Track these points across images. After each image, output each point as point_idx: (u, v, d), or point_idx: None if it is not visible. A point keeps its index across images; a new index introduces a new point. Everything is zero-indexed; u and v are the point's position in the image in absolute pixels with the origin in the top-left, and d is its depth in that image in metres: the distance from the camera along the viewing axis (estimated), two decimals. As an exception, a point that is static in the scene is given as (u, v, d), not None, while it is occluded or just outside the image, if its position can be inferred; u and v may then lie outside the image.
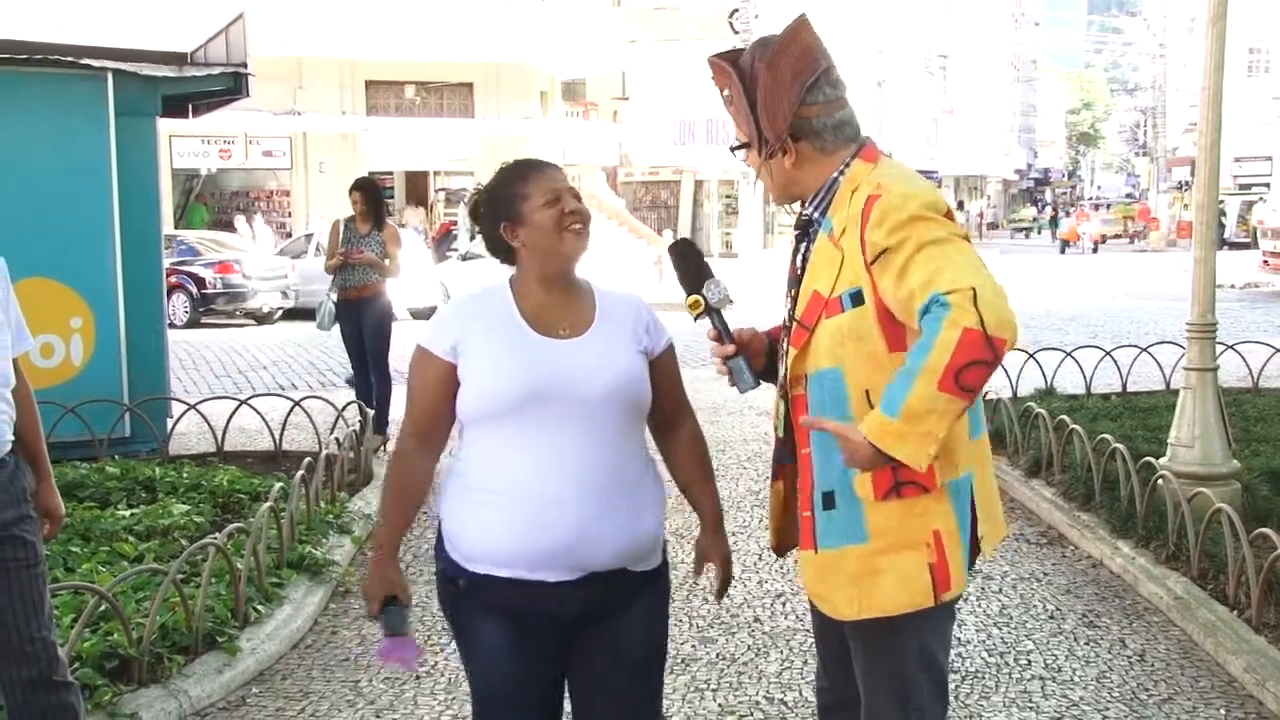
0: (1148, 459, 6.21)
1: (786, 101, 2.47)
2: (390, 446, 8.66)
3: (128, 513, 5.98)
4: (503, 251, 2.65)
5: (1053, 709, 4.26)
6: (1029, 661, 4.69)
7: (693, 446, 2.75)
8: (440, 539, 2.63)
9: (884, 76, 40.96)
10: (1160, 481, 5.92)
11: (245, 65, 8.27)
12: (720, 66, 2.56)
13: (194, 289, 19.47)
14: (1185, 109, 49.51)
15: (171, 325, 18.27)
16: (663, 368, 2.69)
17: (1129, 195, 62.72)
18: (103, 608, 4.25)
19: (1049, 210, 59.26)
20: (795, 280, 2.57)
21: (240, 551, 5.09)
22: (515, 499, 2.49)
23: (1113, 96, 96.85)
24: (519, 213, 2.58)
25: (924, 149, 50.75)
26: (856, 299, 2.39)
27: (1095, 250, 40.47)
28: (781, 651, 4.75)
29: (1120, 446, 6.35)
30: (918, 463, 2.23)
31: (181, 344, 15.73)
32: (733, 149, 2.61)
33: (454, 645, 4.79)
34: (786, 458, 2.62)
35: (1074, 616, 5.20)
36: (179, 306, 19.22)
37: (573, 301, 2.63)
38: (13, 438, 3.21)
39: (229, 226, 26.72)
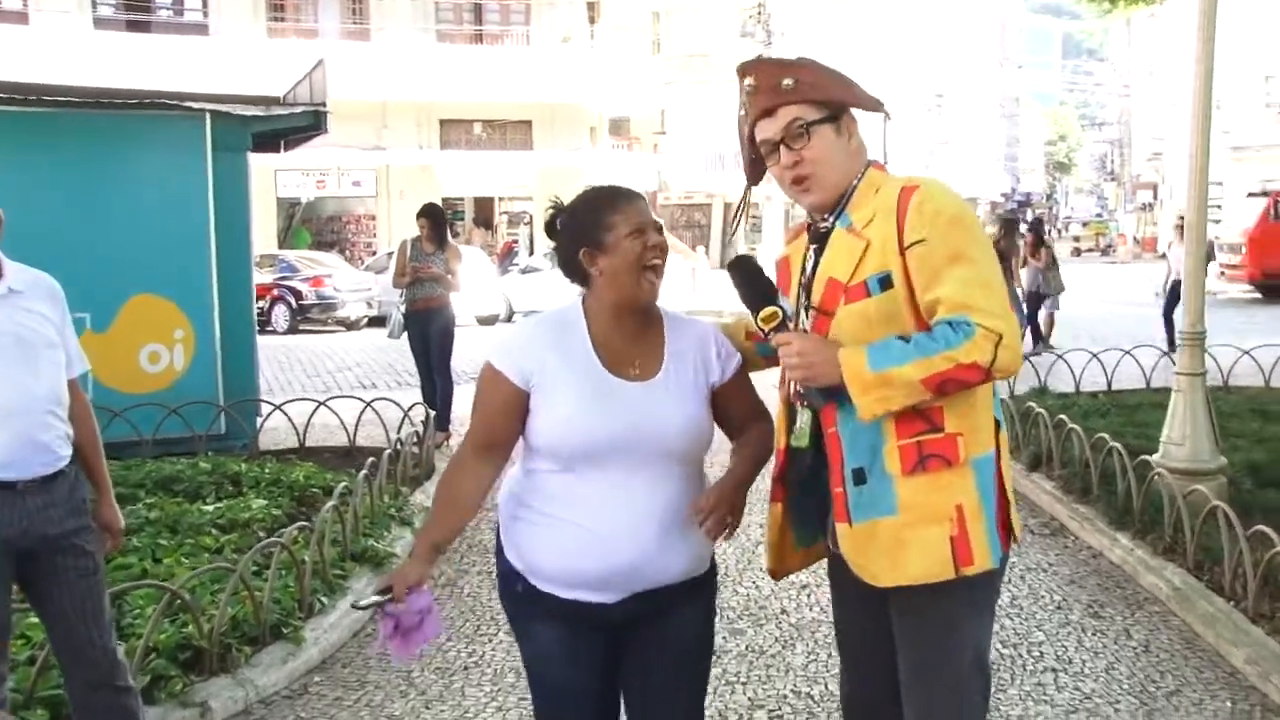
0: (1143, 456, 5.73)
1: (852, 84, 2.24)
2: (453, 443, 8.31)
3: (211, 507, 5.63)
4: (578, 275, 2.25)
5: (1066, 702, 3.79)
6: (1041, 654, 4.22)
7: (759, 434, 2.35)
8: (500, 540, 2.33)
9: (888, 114, 40.37)
10: (1155, 477, 5.44)
11: (324, 104, 8.00)
12: (775, 60, 2.24)
13: (293, 300, 19.31)
14: (1148, 140, 48.53)
15: (274, 332, 18.29)
16: (736, 387, 2.32)
17: (1098, 215, 62.25)
18: (177, 601, 3.90)
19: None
20: (803, 282, 2.24)
21: (307, 546, 4.73)
22: (580, 529, 2.17)
23: (1084, 130, 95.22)
24: (602, 241, 2.19)
25: (923, 175, 50.11)
26: (885, 283, 2.09)
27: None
28: (807, 644, 4.31)
29: (1117, 445, 5.86)
30: (860, 411, 2.05)
31: (281, 348, 15.56)
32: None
33: (501, 637, 4.44)
34: (793, 474, 2.27)
35: (1080, 607, 4.73)
36: (280, 316, 19.11)
37: (644, 333, 2.26)
38: (69, 452, 2.86)
39: (327, 246, 26.74)
